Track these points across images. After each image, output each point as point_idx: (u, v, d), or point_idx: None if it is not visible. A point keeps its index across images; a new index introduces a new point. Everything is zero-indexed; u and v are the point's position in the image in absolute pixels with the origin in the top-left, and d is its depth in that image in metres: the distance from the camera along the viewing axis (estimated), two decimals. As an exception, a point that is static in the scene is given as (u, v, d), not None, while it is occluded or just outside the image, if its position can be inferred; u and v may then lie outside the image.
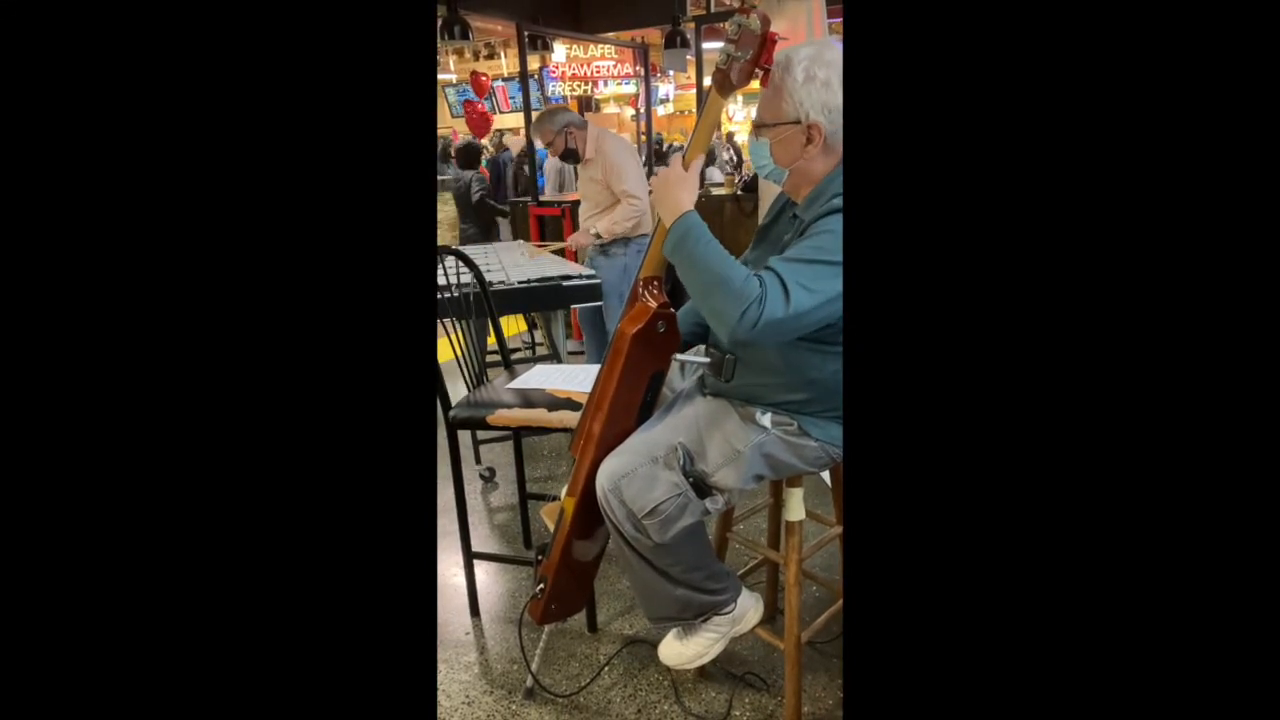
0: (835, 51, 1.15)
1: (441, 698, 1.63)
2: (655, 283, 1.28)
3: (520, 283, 2.54)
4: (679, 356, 1.32)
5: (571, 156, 3.00)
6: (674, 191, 1.17)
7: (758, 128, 1.23)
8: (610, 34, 5.99)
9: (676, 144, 9.10)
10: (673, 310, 1.28)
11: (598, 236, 3.02)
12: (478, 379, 1.95)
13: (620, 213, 2.96)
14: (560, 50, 8.69)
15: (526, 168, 5.75)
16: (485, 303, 2.07)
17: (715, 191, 4.48)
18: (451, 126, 10.10)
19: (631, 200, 2.93)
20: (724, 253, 1.11)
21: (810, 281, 1.07)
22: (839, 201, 1.11)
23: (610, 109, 10.56)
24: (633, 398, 1.33)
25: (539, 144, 3.06)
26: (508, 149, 7.65)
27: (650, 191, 1.20)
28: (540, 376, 1.90)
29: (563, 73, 8.99)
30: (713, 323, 1.13)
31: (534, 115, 3.21)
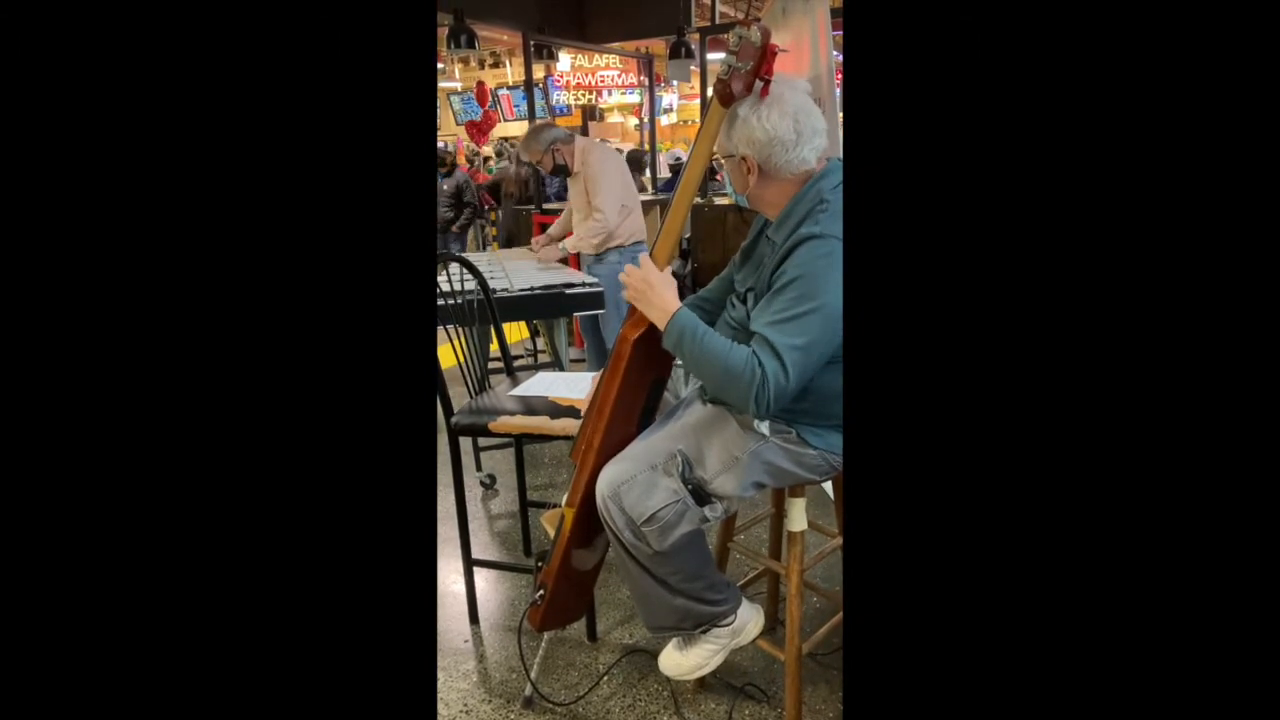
0: (780, 88, 1.20)
1: (440, 706, 1.62)
2: None
3: (523, 290, 2.55)
4: (681, 362, 1.32)
5: (561, 171, 3.05)
6: (657, 294, 1.24)
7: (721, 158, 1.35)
8: (615, 44, 6.01)
9: (679, 151, 9.10)
10: None
11: (564, 251, 3.08)
12: (480, 385, 1.95)
13: (585, 228, 2.99)
14: (565, 59, 8.73)
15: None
16: (488, 309, 2.07)
17: (718, 201, 4.49)
18: (455, 134, 10.14)
19: (597, 215, 2.95)
20: (721, 342, 1.19)
21: (799, 336, 1.13)
22: (804, 230, 1.17)
23: (614, 118, 10.59)
24: (634, 404, 1.33)
25: (530, 161, 3.16)
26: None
27: (631, 291, 1.27)
28: (542, 384, 1.90)
29: (567, 82, 9.03)
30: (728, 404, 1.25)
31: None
